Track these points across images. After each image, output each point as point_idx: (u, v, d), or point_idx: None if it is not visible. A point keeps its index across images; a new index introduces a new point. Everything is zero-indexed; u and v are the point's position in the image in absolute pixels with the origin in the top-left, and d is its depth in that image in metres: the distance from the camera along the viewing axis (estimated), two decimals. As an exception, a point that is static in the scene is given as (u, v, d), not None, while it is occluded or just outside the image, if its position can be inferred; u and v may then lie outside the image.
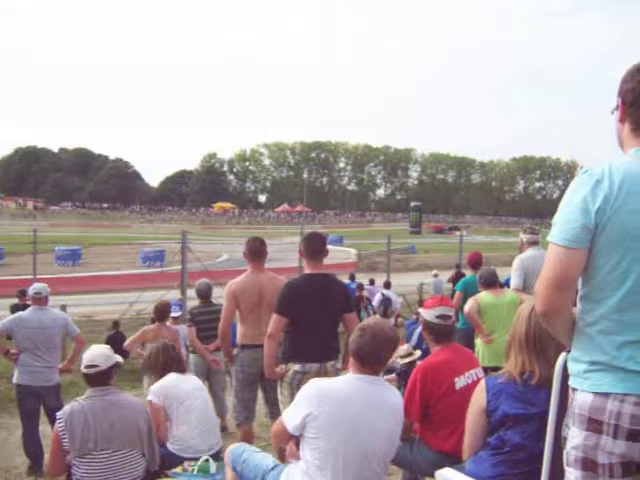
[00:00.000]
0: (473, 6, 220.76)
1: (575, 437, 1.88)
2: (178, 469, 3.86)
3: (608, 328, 1.84)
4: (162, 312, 6.66)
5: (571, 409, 1.92)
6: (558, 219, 1.89)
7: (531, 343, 2.72)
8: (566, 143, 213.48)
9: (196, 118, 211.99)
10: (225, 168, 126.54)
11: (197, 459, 3.91)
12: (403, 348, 7.76)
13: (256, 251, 5.10)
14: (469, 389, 3.26)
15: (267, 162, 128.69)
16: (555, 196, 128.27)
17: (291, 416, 2.88)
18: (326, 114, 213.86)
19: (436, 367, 3.56)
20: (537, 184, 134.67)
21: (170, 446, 4.04)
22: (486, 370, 4.55)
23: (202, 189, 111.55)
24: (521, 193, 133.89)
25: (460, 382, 3.53)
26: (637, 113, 1.94)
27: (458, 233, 37.61)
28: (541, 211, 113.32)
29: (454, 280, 12.63)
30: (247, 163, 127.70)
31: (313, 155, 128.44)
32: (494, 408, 2.71)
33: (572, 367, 1.94)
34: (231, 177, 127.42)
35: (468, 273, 9.01)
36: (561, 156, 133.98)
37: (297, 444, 2.93)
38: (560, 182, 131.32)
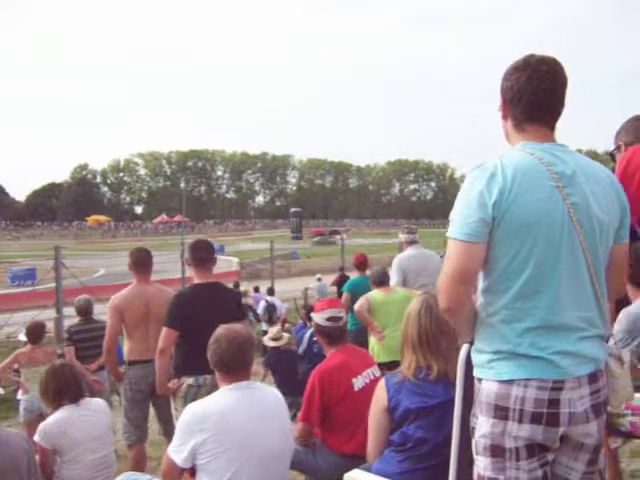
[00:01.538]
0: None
1: (483, 425, 1.91)
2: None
3: (509, 316, 1.88)
4: (36, 333, 6.25)
5: (478, 399, 1.95)
6: (455, 215, 1.91)
7: (424, 339, 2.76)
8: (438, 146, 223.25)
9: (64, 127, 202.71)
10: (98, 179, 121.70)
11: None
12: (274, 330, 7.75)
13: (142, 262, 4.89)
14: (368, 389, 3.27)
15: (142, 172, 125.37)
16: (429, 197, 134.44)
17: (177, 450, 2.73)
18: (202, 122, 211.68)
19: (333, 370, 3.54)
20: (412, 186, 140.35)
21: None
22: (382, 367, 4.61)
23: (74, 202, 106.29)
24: (397, 195, 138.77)
25: (358, 382, 3.52)
26: (517, 109, 2.02)
27: (338, 237, 38.24)
28: (416, 212, 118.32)
29: (338, 283, 12.79)
30: (121, 174, 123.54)
31: (190, 164, 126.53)
32: (396, 404, 2.72)
33: (476, 358, 1.97)
34: (105, 189, 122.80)
35: (353, 275, 9.13)
36: (433, 159, 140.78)
37: (192, 474, 2.79)
38: (433, 184, 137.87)
